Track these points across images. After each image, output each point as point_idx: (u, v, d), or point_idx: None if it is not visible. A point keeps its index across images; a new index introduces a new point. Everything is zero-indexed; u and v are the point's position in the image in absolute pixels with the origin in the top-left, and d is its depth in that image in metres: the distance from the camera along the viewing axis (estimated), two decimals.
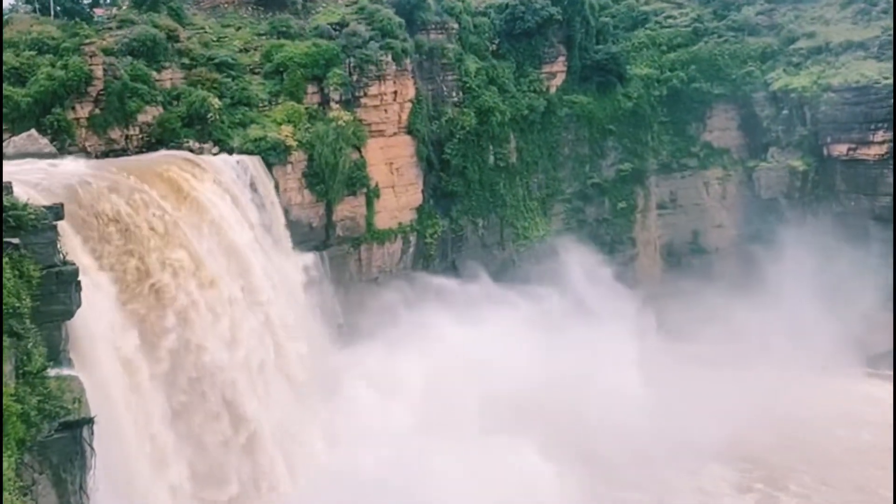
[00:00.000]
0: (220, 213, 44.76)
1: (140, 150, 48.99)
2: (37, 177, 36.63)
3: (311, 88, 57.08)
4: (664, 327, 61.53)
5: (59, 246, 29.46)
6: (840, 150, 71.49)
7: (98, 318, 34.16)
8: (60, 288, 28.63)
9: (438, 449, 44.79)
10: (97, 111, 47.91)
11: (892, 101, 67.54)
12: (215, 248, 43.80)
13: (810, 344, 60.87)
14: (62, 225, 33.26)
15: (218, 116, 51.55)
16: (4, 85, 44.93)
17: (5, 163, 38.72)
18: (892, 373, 59.69)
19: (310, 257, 54.08)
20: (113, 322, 36.02)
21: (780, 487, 50.73)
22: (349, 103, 57.71)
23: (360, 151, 58.04)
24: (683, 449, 51.28)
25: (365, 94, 58.54)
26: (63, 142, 46.25)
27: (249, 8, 61.65)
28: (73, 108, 47.22)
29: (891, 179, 68.33)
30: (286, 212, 53.05)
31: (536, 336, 54.20)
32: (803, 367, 60.29)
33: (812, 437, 55.08)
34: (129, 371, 36.00)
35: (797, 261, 66.22)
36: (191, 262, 41.13)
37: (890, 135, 68.28)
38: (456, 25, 66.97)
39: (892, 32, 70.59)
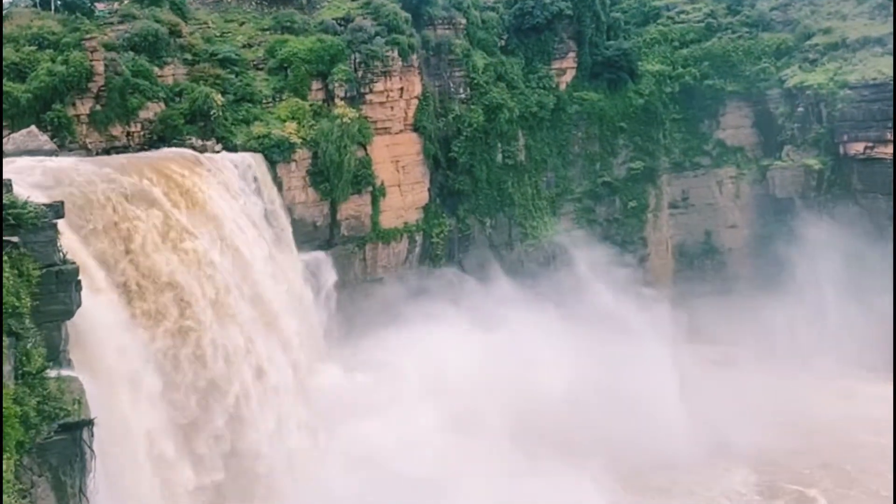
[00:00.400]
0: (260, 268, 43.09)
1: (142, 148, 49.02)
2: (65, 191, 33.89)
3: (315, 85, 57.17)
4: (680, 329, 61.27)
5: (58, 244, 29.52)
6: (857, 148, 71.16)
7: (136, 423, 31.47)
8: (60, 287, 28.69)
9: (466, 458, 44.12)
10: (98, 107, 47.91)
11: None
12: (257, 316, 41.31)
13: (830, 347, 60.67)
14: (107, 290, 31.31)
15: (221, 113, 51.59)
16: (4, 80, 45.03)
17: (22, 160, 37.73)
18: None
19: (329, 281, 52.94)
20: (151, 429, 32.91)
21: (805, 494, 50.57)
22: (354, 100, 57.74)
23: (365, 149, 58.05)
24: (708, 453, 51.51)
25: (370, 91, 58.57)
26: (63, 139, 46.25)
27: (253, 2, 61.71)
28: (74, 105, 47.21)
29: None
30: (290, 210, 53.13)
31: (558, 339, 54.11)
32: (824, 370, 60.03)
33: (835, 441, 54.81)
34: (167, 485, 33.27)
35: (813, 262, 65.99)
36: (243, 343, 38.52)
37: None
38: (463, 20, 66.93)
39: None
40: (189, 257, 37.41)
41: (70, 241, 31.78)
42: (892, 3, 74.62)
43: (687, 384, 54.51)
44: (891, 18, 73.68)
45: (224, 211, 42.80)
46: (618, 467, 48.68)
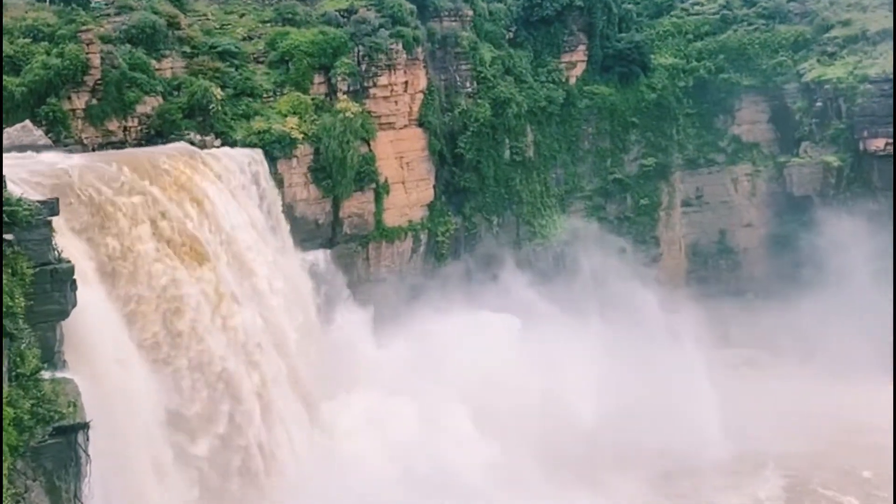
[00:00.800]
0: (294, 337, 42.06)
1: (139, 143, 49.13)
2: (111, 242, 32.04)
3: (317, 78, 57.16)
4: (698, 331, 61.47)
5: (53, 242, 29.58)
6: (877, 144, 70.95)
7: None
8: (55, 287, 28.75)
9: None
10: (94, 101, 48.07)
11: None
12: (296, 401, 40.41)
13: (850, 349, 60.53)
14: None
15: (220, 107, 51.66)
16: None
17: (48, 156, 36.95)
18: None
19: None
20: None
21: (839, 502, 50.76)
22: (357, 94, 57.73)
23: (368, 145, 58.06)
24: (734, 458, 51.90)
25: (374, 85, 58.55)
26: (58, 133, 46.40)
27: None
28: (69, 98, 47.36)
29: None
30: (290, 207, 53.16)
31: (577, 339, 54.27)
32: (846, 373, 59.85)
33: (865, 446, 54.86)
34: None
35: (832, 263, 65.88)
36: (287, 442, 37.12)
37: None
38: (470, 12, 66.85)
39: None
40: (238, 337, 35.17)
41: (114, 320, 30.28)
42: None
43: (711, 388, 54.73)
44: None
45: (260, 265, 41.64)
46: (645, 471, 49.54)
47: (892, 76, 69.90)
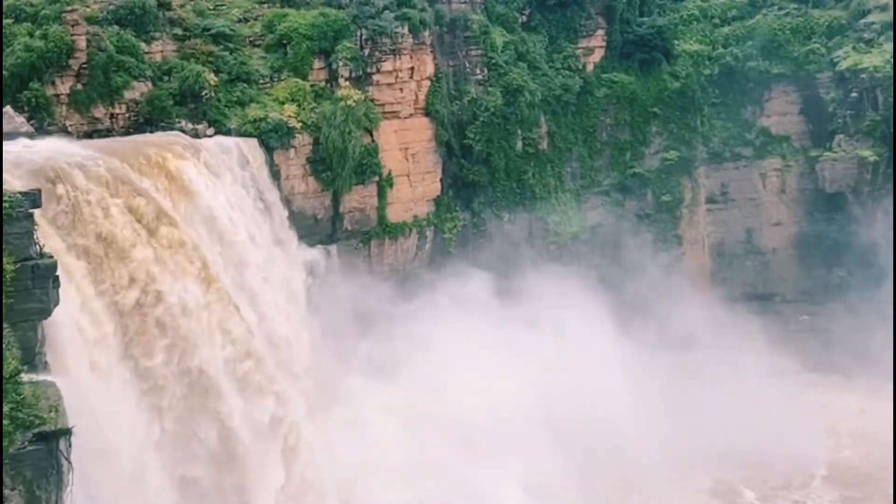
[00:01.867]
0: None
1: (127, 131, 49.27)
2: None
3: (317, 63, 57.25)
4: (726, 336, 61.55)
5: (35, 237, 29.63)
6: None
7: None
8: (37, 283, 28.78)
9: None
10: (79, 86, 48.19)
11: None
12: None
13: (888, 357, 60.50)
14: None
15: (213, 94, 51.81)
16: None
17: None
18: None
19: None
20: None
21: None
22: (360, 81, 57.80)
23: (371, 135, 58.15)
24: (784, 472, 52.96)
25: (378, 71, 58.63)
26: (41, 120, 46.58)
27: None
28: (53, 83, 47.50)
29: None
30: (288, 201, 53.23)
31: (606, 341, 54.82)
32: (885, 383, 59.90)
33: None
34: None
35: (866, 263, 65.76)
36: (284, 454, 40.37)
37: None
38: None
39: None
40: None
41: None
42: None
43: (743, 396, 55.14)
44: None
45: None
46: (697, 483, 50.93)
47: None
